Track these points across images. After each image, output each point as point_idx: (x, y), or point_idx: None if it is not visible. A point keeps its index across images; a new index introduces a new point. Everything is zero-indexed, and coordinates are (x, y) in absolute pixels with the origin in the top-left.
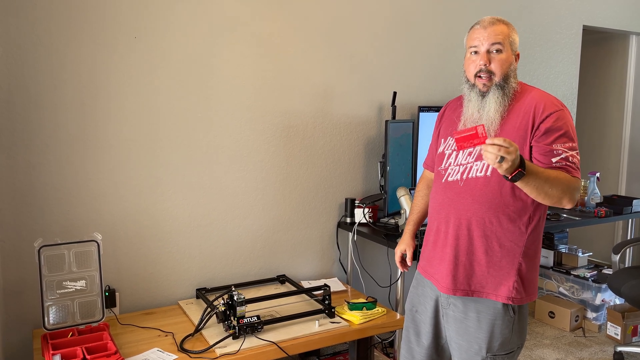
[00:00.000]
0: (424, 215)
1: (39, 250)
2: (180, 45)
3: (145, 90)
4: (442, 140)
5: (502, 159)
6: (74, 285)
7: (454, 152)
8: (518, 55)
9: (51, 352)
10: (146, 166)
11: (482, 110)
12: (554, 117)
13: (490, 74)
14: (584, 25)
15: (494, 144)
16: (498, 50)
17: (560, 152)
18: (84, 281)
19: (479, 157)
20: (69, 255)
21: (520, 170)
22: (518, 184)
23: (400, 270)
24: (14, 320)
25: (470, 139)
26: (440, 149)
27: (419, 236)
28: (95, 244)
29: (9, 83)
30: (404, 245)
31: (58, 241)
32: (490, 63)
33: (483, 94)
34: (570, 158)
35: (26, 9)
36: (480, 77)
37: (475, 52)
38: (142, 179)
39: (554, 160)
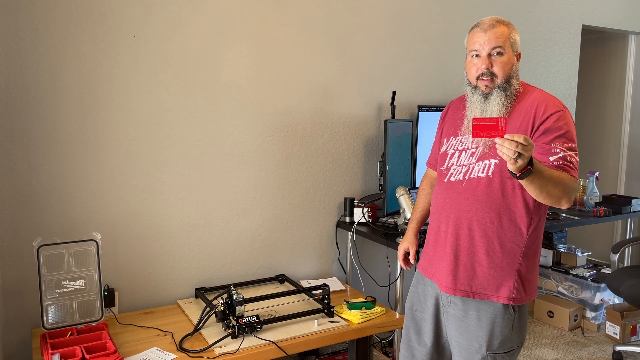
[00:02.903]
0: (427, 213)
1: (37, 250)
2: (180, 45)
3: (144, 90)
4: (445, 140)
5: (519, 155)
6: (73, 285)
7: (457, 152)
8: (519, 54)
9: (50, 351)
10: (145, 166)
11: (485, 112)
12: (555, 117)
13: (492, 75)
14: (583, 25)
15: (513, 140)
16: (499, 53)
17: (559, 151)
18: (82, 280)
19: (481, 158)
20: (68, 255)
21: (529, 168)
22: (523, 182)
23: (402, 267)
24: (13, 320)
25: (488, 129)
26: (442, 149)
27: (420, 235)
28: (94, 243)
29: (8, 82)
30: (407, 243)
31: (57, 240)
32: (492, 66)
33: (486, 96)
34: (568, 157)
35: (26, 8)
36: (482, 79)
37: (477, 56)
38: (141, 178)
39: (551, 159)
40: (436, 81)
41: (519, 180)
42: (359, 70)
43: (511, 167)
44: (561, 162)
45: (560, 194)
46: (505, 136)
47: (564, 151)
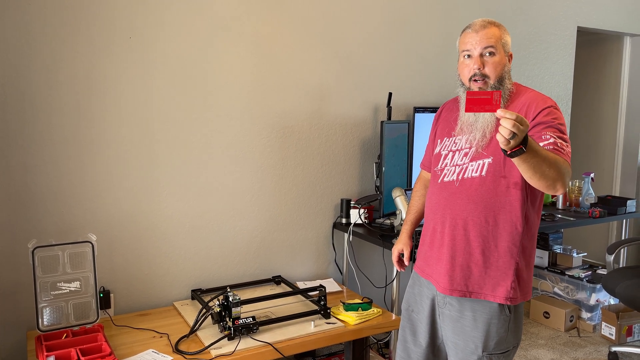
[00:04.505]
0: (421, 215)
1: (33, 252)
2: (176, 46)
3: (140, 91)
4: (439, 141)
5: (514, 135)
6: (68, 287)
7: (450, 153)
8: (511, 55)
9: (45, 353)
10: (141, 167)
11: (478, 113)
12: (545, 112)
13: (484, 77)
14: (578, 27)
15: (509, 118)
16: (491, 53)
17: (549, 137)
18: (78, 282)
19: (474, 158)
20: (63, 257)
21: (521, 147)
22: (516, 160)
23: (397, 269)
24: (8, 322)
25: (483, 103)
26: (436, 150)
27: (415, 236)
28: (89, 245)
29: (3, 83)
30: (401, 244)
31: (52, 242)
32: (484, 67)
33: None
34: (559, 144)
35: (21, 10)
36: (475, 80)
37: (469, 56)
38: (137, 179)
39: (542, 144)
40: (432, 82)
41: (510, 158)
42: (356, 72)
43: (504, 146)
44: (552, 147)
45: (555, 176)
46: (499, 111)
47: (555, 138)
